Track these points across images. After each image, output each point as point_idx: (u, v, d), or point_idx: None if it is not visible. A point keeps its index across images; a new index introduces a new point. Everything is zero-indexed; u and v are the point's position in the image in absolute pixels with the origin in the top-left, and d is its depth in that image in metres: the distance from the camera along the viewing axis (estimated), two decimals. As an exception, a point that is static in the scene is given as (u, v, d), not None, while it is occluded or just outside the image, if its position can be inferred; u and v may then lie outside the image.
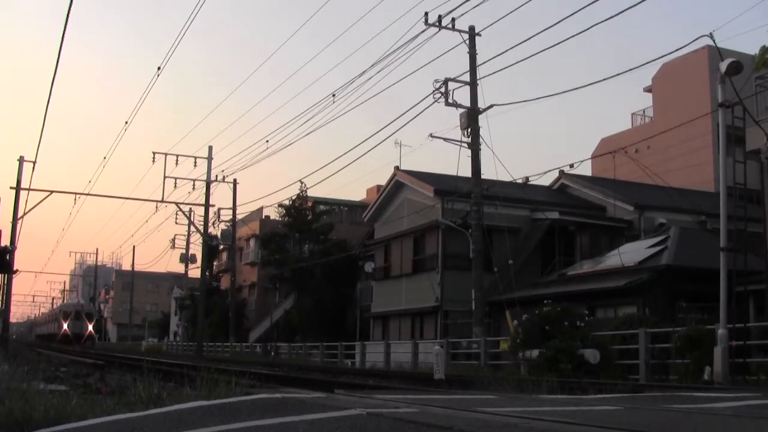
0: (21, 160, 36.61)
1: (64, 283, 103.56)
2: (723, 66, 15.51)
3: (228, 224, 45.15)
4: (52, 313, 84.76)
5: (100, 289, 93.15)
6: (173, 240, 56.50)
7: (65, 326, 69.91)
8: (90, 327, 70.70)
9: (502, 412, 5.52)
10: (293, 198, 46.16)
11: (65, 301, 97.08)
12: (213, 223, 45.19)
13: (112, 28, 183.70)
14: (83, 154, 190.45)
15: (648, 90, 44.15)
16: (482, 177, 25.53)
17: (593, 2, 17.25)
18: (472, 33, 24.90)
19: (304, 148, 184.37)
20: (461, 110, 25.10)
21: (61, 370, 14.24)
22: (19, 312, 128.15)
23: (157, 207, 42.63)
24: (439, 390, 11.43)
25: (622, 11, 17.95)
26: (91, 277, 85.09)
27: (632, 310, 21.71)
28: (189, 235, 53.37)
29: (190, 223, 45.90)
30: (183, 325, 61.62)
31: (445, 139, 25.70)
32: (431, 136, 26.06)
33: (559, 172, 35.11)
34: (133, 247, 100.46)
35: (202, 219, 42.19)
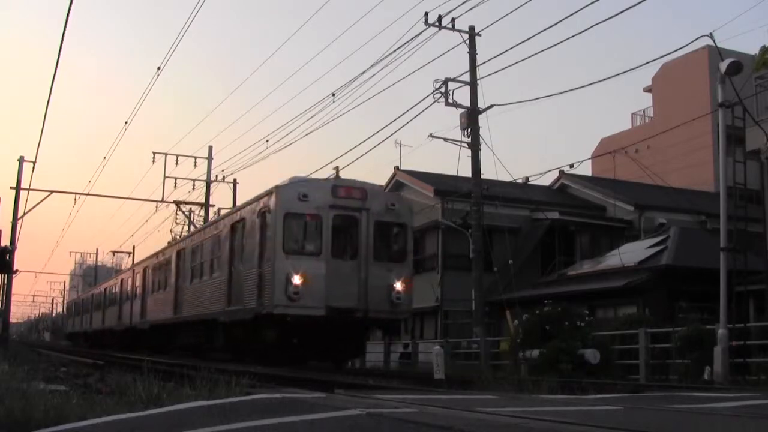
0: (21, 160, 36.57)
1: (64, 283, 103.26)
2: (723, 66, 15.51)
3: (228, 224, 44.95)
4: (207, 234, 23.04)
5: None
6: (173, 240, 56.40)
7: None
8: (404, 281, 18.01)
9: (503, 412, 5.52)
10: (294, 198, 45.86)
11: (65, 300, 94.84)
12: (213, 223, 44.98)
13: (112, 28, 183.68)
14: (83, 154, 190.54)
15: (648, 90, 44.17)
16: (482, 177, 25.49)
17: (593, 2, 17.25)
18: (472, 33, 24.86)
19: (304, 148, 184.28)
20: (461, 110, 25.06)
21: (61, 370, 14.23)
22: (19, 312, 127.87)
23: (157, 207, 42.49)
24: (439, 390, 11.41)
25: (622, 11, 18.00)
26: (91, 277, 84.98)
27: (632, 310, 21.72)
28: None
29: (191, 223, 45.91)
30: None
31: (445, 139, 25.67)
32: (431, 136, 26.03)
33: (559, 172, 35.11)
34: (133, 246, 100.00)
35: (202, 219, 42.17)
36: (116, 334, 36.92)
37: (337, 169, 19.48)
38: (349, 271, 17.27)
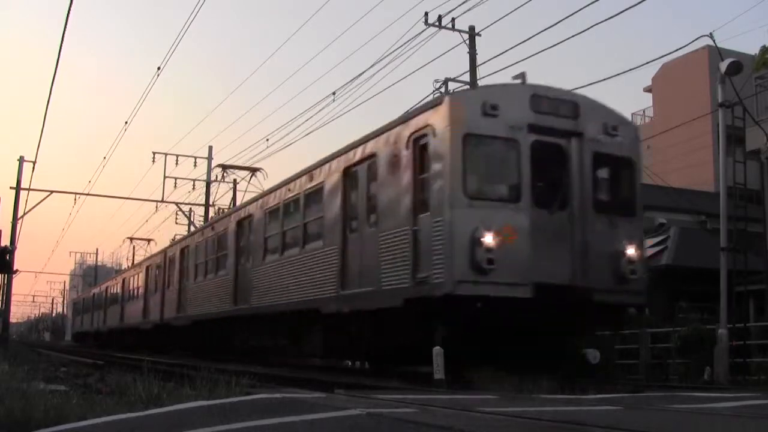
0: (21, 160, 36.59)
1: (64, 283, 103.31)
2: (723, 66, 15.51)
3: (228, 224, 44.85)
4: None
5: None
6: (174, 240, 56.26)
7: None
8: (637, 244, 12.03)
9: (502, 412, 5.52)
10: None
11: (66, 300, 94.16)
12: (213, 223, 44.89)
13: (112, 28, 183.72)
14: (83, 154, 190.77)
15: (648, 90, 44.20)
16: (482, 177, 25.42)
17: (593, 2, 17.25)
18: (472, 33, 24.87)
19: (304, 148, 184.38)
20: (461, 110, 25.05)
21: (61, 370, 14.23)
22: (19, 312, 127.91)
23: (157, 207, 42.55)
24: (439, 390, 11.41)
25: (622, 11, 18.03)
26: (91, 277, 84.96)
27: (632, 310, 21.68)
28: (190, 235, 52.99)
29: (190, 223, 45.94)
30: (184, 325, 60.57)
31: (445, 139, 25.60)
32: (431, 135, 25.94)
33: (560, 172, 35.03)
34: (133, 246, 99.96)
35: (202, 219, 42.17)
36: (140, 334, 31.11)
37: (523, 74, 12.21)
38: (558, 227, 11.35)
